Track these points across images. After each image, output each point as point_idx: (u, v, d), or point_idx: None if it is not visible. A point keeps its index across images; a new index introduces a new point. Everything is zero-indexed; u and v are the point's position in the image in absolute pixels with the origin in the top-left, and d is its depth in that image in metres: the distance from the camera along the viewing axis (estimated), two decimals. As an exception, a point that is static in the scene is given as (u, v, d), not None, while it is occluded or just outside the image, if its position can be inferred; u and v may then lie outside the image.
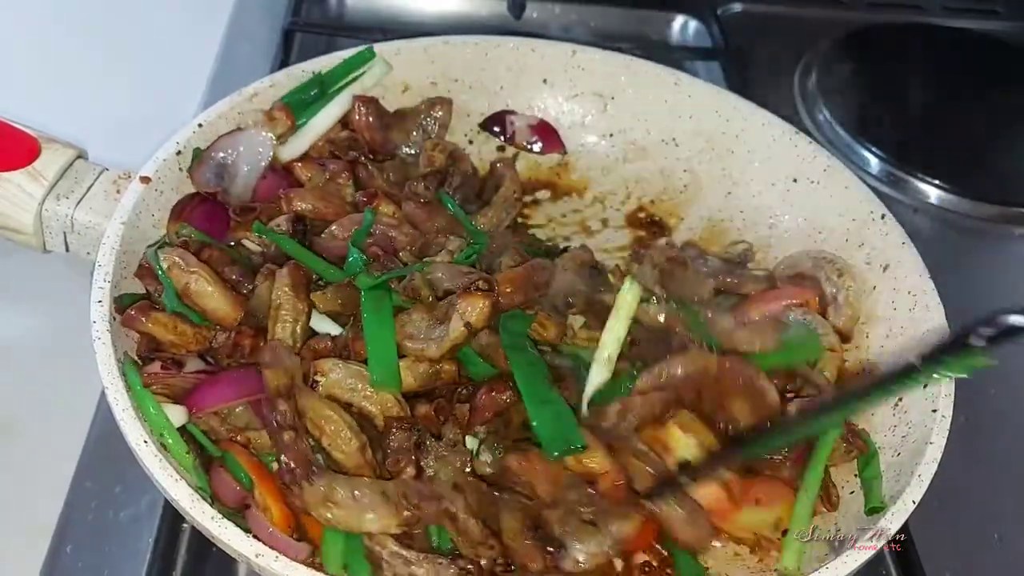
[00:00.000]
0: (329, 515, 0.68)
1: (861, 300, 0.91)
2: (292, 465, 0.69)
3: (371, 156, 0.96)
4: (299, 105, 0.95)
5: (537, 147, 1.06)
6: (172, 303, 0.76)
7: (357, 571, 0.69)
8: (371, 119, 0.96)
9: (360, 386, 0.75)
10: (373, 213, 0.86)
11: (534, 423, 0.74)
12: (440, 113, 1.01)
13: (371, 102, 0.97)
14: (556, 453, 0.72)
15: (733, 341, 0.83)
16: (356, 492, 0.69)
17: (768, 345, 0.84)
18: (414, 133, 1.00)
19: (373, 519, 0.68)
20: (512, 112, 1.08)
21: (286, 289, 0.78)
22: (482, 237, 0.88)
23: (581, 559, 0.70)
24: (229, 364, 0.77)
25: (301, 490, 0.68)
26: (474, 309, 0.74)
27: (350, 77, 0.99)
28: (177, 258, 0.76)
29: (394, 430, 0.73)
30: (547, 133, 1.07)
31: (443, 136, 1.01)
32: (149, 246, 0.80)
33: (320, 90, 0.97)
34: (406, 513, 0.69)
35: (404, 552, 0.69)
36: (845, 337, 0.90)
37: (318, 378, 0.75)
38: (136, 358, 0.75)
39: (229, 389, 0.74)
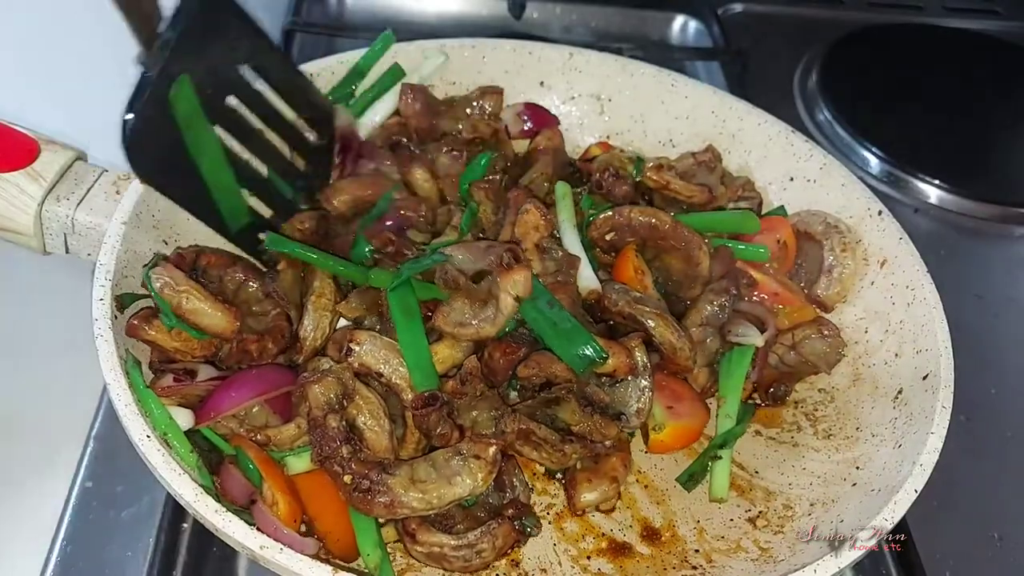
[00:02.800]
0: (418, 496, 0.69)
1: (854, 280, 0.93)
2: (366, 471, 0.69)
3: (419, 141, 0.97)
4: (345, 98, 0.98)
5: (528, 126, 1.05)
6: (170, 321, 0.76)
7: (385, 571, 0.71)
8: (419, 106, 0.97)
9: (393, 359, 0.76)
10: (388, 199, 0.86)
11: (556, 351, 0.77)
12: (491, 103, 1.01)
13: (420, 90, 0.98)
14: (582, 370, 0.76)
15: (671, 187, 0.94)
16: (436, 463, 0.71)
17: (699, 198, 0.94)
18: (462, 122, 1.00)
19: (463, 482, 0.70)
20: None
21: (329, 280, 0.80)
22: (472, 204, 0.89)
23: (637, 418, 0.78)
24: (239, 369, 0.78)
25: (386, 487, 0.69)
26: (517, 282, 0.75)
27: (416, 70, 1.03)
28: (168, 278, 0.76)
29: (427, 413, 0.74)
30: (535, 112, 1.06)
31: None
32: (144, 265, 0.79)
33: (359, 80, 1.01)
34: (491, 450, 0.71)
35: (461, 540, 0.71)
36: (825, 308, 0.94)
37: (353, 346, 0.75)
38: (137, 359, 0.75)
39: (244, 390, 0.75)
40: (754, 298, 0.90)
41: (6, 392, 0.92)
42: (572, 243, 0.85)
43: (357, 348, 0.75)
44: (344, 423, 0.72)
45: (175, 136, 0.73)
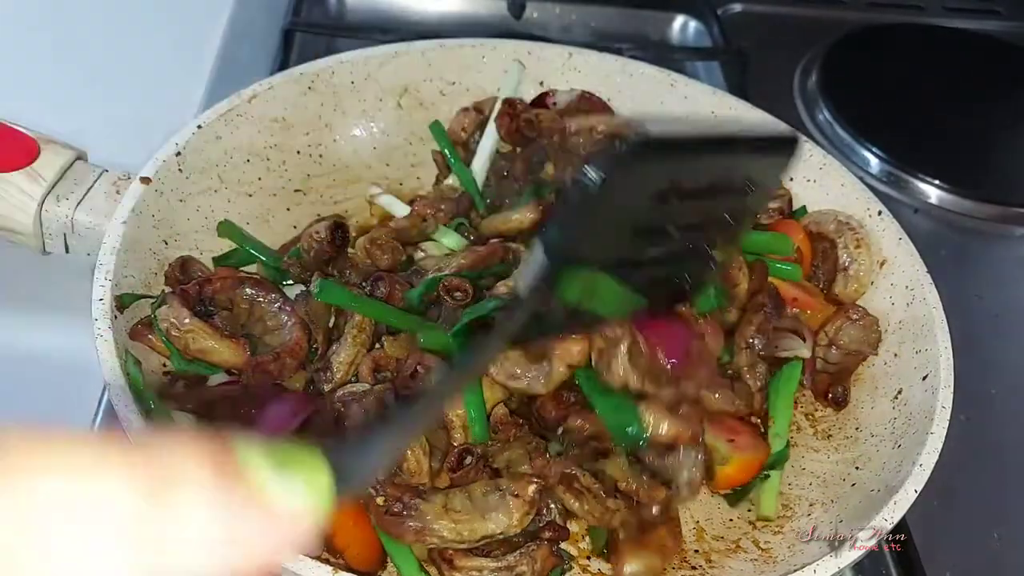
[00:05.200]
0: (450, 526, 0.68)
1: (870, 275, 0.92)
2: (399, 494, 0.69)
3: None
4: None
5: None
6: (180, 364, 0.76)
7: None
8: (515, 125, 0.98)
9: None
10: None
11: (601, 414, 0.75)
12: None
13: (520, 110, 0.98)
14: (623, 444, 0.74)
15: None
16: (473, 496, 0.69)
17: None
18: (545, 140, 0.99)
19: (498, 519, 0.68)
20: (549, 92, 1.06)
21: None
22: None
23: (688, 489, 0.75)
24: (259, 385, 0.77)
25: (417, 512, 0.68)
26: (572, 353, 0.74)
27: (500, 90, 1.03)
28: (172, 319, 0.75)
29: (466, 472, 0.72)
30: (592, 102, 1.04)
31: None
32: (151, 303, 0.78)
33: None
34: (531, 488, 0.69)
35: (499, 563, 0.70)
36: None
37: (420, 371, 0.74)
38: (138, 358, 0.75)
39: (283, 419, 0.74)
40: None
41: (6, 392, 0.92)
42: None
43: (425, 374, 0.74)
44: None
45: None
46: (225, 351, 0.75)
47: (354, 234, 0.89)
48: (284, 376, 0.77)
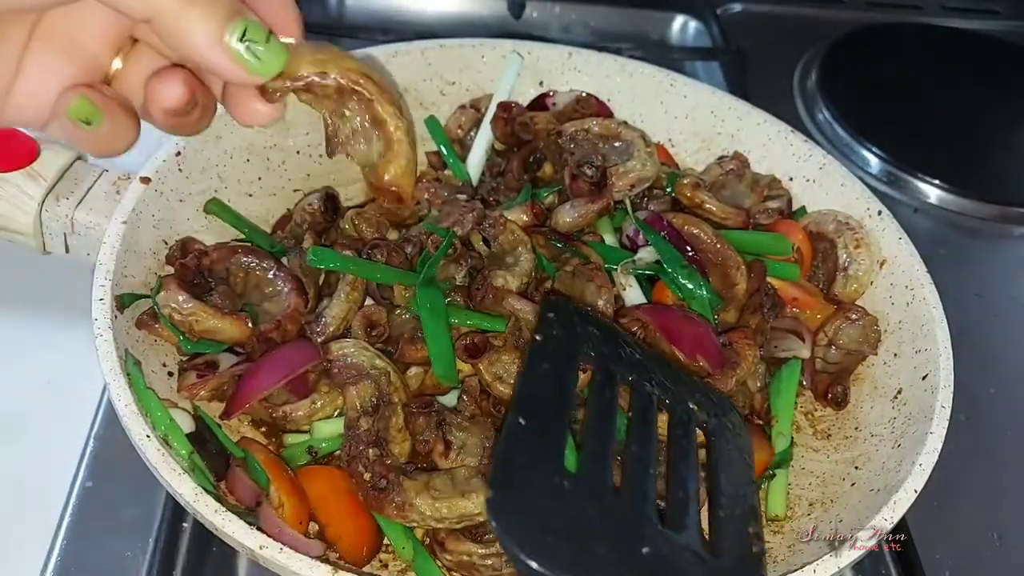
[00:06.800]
0: (429, 503, 0.69)
1: (870, 275, 0.92)
2: (385, 472, 0.70)
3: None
4: None
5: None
6: (189, 345, 0.78)
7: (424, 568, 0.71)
8: (509, 129, 0.98)
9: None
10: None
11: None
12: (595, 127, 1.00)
13: (517, 112, 0.98)
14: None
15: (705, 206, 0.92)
16: (456, 478, 0.71)
17: (734, 222, 0.91)
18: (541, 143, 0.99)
19: (476, 500, 0.69)
20: (549, 93, 1.06)
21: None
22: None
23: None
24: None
25: (400, 488, 0.69)
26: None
27: (500, 83, 1.03)
28: (172, 304, 0.76)
29: (416, 415, 0.74)
30: (592, 103, 1.04)
31: None
32: (151, 290, 0.79)
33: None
34: None
35: (489, 549, 0.70)
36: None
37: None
38: (138, 358, 0.75)
39: (270, 376, 0.75)
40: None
41: (6, 392, 0.92)
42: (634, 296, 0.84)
43: None
44: (375, 427, 0.73)
45: None
46: (228, 328, 0.78)
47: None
48: (287, 340, 0.78)
